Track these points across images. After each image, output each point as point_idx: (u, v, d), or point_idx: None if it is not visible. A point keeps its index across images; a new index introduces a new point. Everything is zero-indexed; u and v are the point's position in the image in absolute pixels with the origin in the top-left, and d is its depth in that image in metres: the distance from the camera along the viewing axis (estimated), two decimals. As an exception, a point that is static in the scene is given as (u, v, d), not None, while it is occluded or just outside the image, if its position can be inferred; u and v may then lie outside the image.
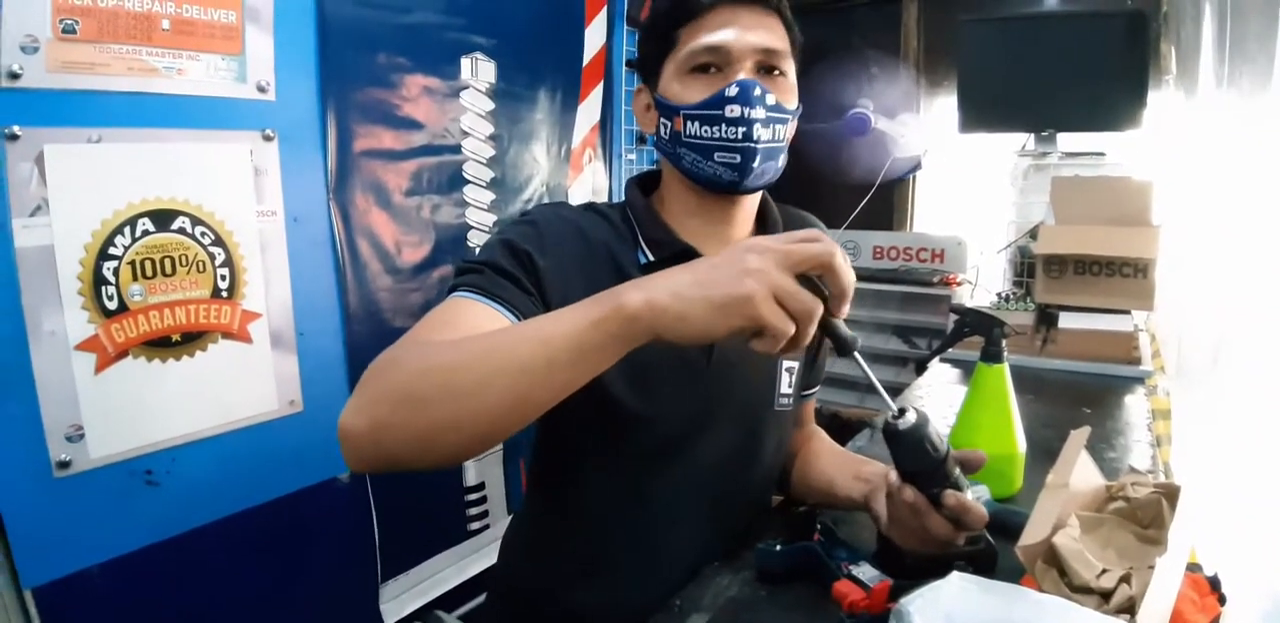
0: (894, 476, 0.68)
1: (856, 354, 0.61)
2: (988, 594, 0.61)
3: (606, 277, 0.82)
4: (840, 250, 0.56)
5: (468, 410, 0.56)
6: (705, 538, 0.89)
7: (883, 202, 2.64)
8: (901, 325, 2.50)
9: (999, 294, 1.93)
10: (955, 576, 0.63)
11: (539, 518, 0.97)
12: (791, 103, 0.83)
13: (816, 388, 1.09)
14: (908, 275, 2.46)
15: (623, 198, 0.93)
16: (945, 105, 2.51)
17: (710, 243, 0.87)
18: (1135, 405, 1.45)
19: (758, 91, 0.78)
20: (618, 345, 0.55)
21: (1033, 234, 1.83)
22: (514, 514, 1.04)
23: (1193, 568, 0.75)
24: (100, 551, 1.22)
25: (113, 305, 1.21)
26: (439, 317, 0.72)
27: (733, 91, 0.78)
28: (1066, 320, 1.71)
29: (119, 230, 1.21)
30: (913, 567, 0.74)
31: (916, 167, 2.62)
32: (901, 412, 0.63)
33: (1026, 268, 1.94)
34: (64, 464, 1.17)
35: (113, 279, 1.21)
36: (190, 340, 1.31)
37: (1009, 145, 2.19)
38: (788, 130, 0.83)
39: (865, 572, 0.74)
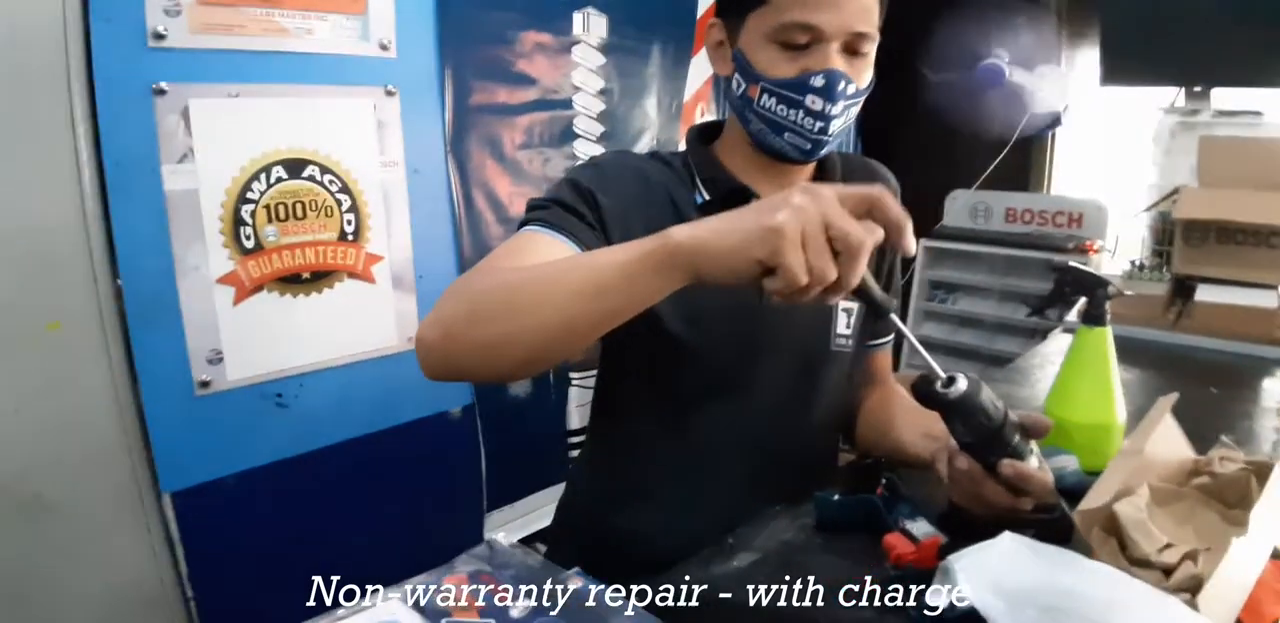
0: (953, 441, 0.68)
1: (893, 316, 0.60)
2: (1038, 557, 0.60)
3: (665, 215, 0.85)
4: (888, 196, 0.55)
5: (522, 327, 0.61)
6: (755, 478, 0.91)
7: (1018, 160, 2.48)
8: (1035, 294, 2.38)
9: (1132, 262, 1.80)
10: (1007, 536, 0.62)
11: (597, 451, 1.02)
12: (866, 82, 0.81)
13: (886, 339, 1.06)
14: (1042, 241, 2.33)
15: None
16: (1088, 57, 2.31)
17: (767, 183, 0.88)
18: (1272, 389, 1.33)
19: (842, 85, 0.77)
20: (662, 278, 0.57)
21: (1175, 199, 1.69)
22: (579, 453, 1.10)
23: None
24: (233, 463, 1.37)
25: (250, 244, 1.34)
26: (510, 247, 0.76)
27: (819, 82, 0.77)
28: (1205, 293, 1.58)
29: (255, 177, 1.33)
30: (979, 532, 0.73)
31: (1056, 123, 2.44)
32: (951, 380, 0.61)
33: (1167, 235, 1.80)
34: (204, 384, 1.32)
35: (250, 221, 1.33)
36: (319, 278, 1.43)
37: (1156, 101, 2.01)
38: (858, 108, 0.83)
39: (920, 528, 0.73)
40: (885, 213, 0.55)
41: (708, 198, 0.87)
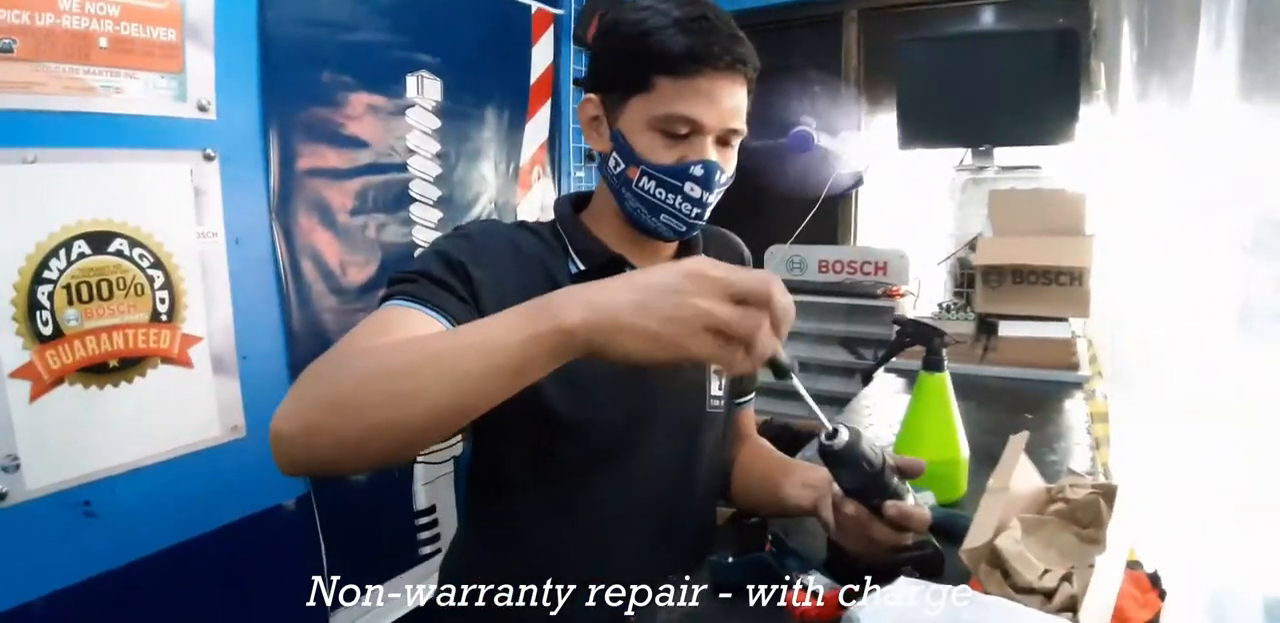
0: (837, 488, 0.70)
1: (794, 378, 0.62)
2: (935, 597, 0.63)
3: (539, 286, 0.83)
4: (777, 279, 0.57)
5: (402, 416, 0.57)
6: (651, 547, 0.90)
7: (826, 216, 2.69)
8: (847, 337, 2.54)
9: (940, 305, 1.97)
10: (903, 580, 0.65)
11: (479, 535, 0.96)
12: (732, 169, 0.86)
13: (750, 396, 1.10)
14: (852, 288, 2.51)
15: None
16: (886, 122, 2.57)
17: (638, 254, 0.90)
18: (1074, 410, 1.49)
19: (718, 175, 0.82)
20: (555, 359, 0.56)
21: (972, 246, 1.88)
22: (453, 538, 1.03)
23: (1133, 566, 0.78)
24: (39, 584, 1.19)
25: (48, 331, 1.18)
26: (375, 324, 0.71)
27: (698, 172, 0.81)
28: (1006, 329, 1.75)
29: (54, 254, 1.19)
30: (863, 572, 0.76)
31: (858, 182, 2.67)
32: (835, 432, 0.64)
33: (966, 279, 1.99)
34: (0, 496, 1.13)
35: (47, 304, 1.18)
36: (129, 366, 1.28)
37: (948, 160, 2.25)
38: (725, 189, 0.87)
39: (816, 580, 0.74)
40: (774, 308, 0.55)
41: (583, 268, 0.87)
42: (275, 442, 0.60)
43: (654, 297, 0.53)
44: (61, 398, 1.20)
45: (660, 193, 0.82)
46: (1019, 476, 0.76)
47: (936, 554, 0.79)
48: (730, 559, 0.80)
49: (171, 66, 1.31)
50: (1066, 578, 0.64)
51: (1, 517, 1.14)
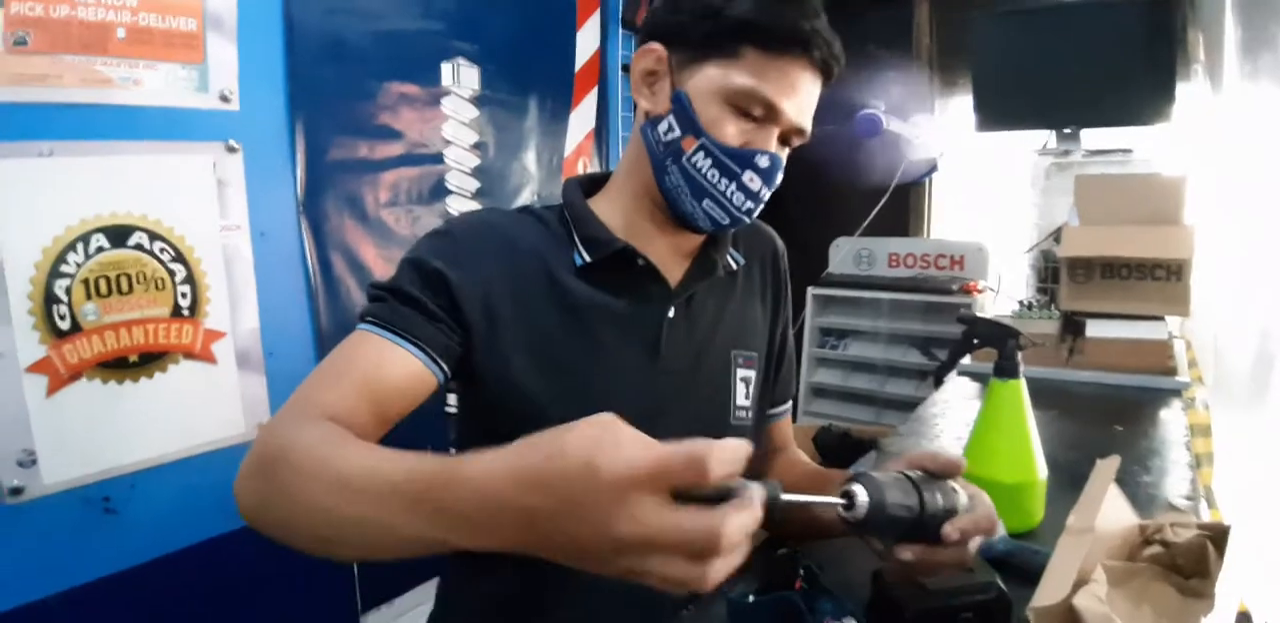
0: (879, 545, 0.61)
1: (784, 496, 0.46)
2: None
3: (536, 285, 0.76)
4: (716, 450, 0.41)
5: (339, 552, 0.52)
6: None
7: (898, 206, 2.54)
8: (921, 337, 2.39)
9: (1021, 302, 1.81)
10: (951, 641, 0.53)
11: (464, 558, 0.86)
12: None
13: (786, 406, 0.98)
14: (925, 284, 2.35)
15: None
16: (961, 104, 2.40)
17: (652, 245, 0.80)
18: (1172, 421, 1.32)
19: (778, 174, 0.75)
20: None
21: (1056, 237, 1.71)
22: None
23: (1241, 620, 0.64)
24: (56, 581, 1.17)
25: (65, 325, 1.16)
26: (340, 360, 0.68)
27: (763, 162, 0.73)
28: (1095, 329, 1.59)
29: (71, 247, 1.16)
30: (911, 618, 0.64)
31: (933, 169, 2.51)
32: (851, 501, 0.55)
33: (1051, 273, 1.82)
34: (16, 491, 1.12)
35: (65, 298, 1.16)
36: (149, 361, 1.25)
37: (1029, 144, 2.10)
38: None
39: (850, 630, 0.63)
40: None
41: (588, 259, 0.77)
42: (237, 500, 0.55)
43: (574, 547, 0.44)
44: (80, 393, 1.17)
45: (714, 175, 0.73)
46: (1107, 511, 0.63)
47: (1002, 598, 0.66)
48: (751, 598, 0.70)
49: (192, 57, 1.28)
50: (1162, 648, 0.51)
51: (19, 511, 1.12)
